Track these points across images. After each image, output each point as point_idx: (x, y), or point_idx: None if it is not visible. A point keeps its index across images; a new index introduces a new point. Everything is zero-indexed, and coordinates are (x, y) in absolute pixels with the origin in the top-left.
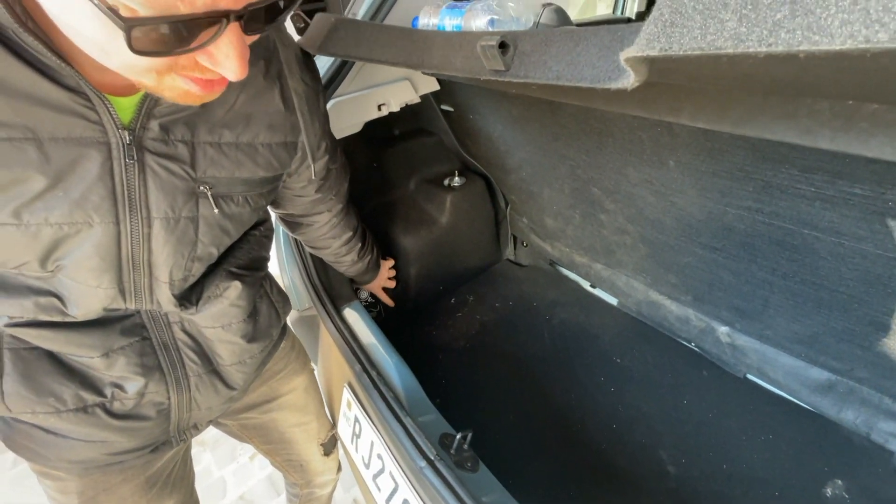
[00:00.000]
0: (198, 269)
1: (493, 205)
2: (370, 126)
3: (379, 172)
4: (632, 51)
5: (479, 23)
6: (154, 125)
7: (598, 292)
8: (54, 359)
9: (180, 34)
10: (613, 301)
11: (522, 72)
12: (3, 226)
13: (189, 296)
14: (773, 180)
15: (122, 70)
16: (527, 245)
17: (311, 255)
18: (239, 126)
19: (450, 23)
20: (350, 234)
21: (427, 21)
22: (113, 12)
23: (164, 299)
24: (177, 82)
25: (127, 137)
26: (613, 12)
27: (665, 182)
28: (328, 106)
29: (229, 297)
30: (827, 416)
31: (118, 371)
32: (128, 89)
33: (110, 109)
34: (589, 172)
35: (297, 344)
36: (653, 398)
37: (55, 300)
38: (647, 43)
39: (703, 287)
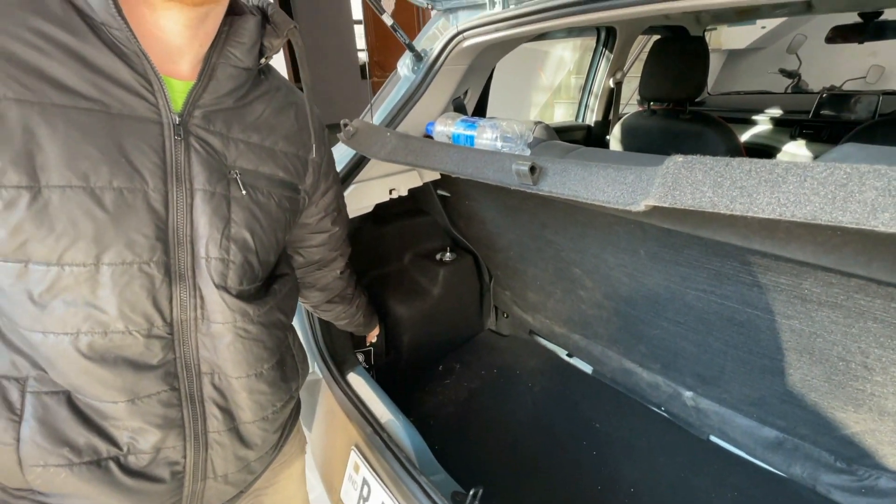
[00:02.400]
0: (235, 256)
1: (479, 279)
2: (376, 206)
3: (378, 247)
4: (650, 201)
5: (488, 135)
6: (198, 113)
7: (574, 361)
8: (74, 407)
9: None
10: (588, 369)
11: (546, 188)
12: (72, 188)
13: (225, 281)
14: (721, 270)
15: None
16: (508, 316)
17: (317, 320)
18: (263, 132)
19: (464, 133)
20: (352, 290)
21: (443, 129)
22: None
23: (206, 284)
24: None
25: (176, 119)
26: (576, 119)
27: (637, 267)
28: (350, 190)
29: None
30: (779, 472)
31: (138, 421)
32: (182, 74)
33: (166, 94)
34: (572, 255)
35: (300, 425)
36: (631, 460)
37: (100, 306)
38: (659, 198)
39: (669, 356)
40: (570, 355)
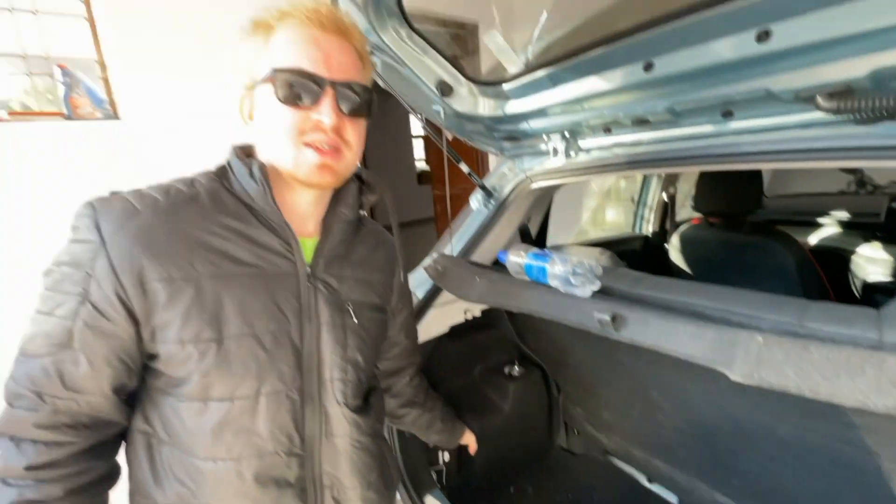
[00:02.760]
0: (351, 375)
1: (548, 394)
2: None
3: (449, 361)
4: (736, 377)
5: (559, 269)
6: (321, 262)
7: (656, 488)
8: None
9: (294, 90)
10: (674, 499)
11: (628, 336)
12: (244, 335)
13: (345, 398)
14: (812, 406)
15: (282, 144)
16: (579, 434)
17: (395, 438)
18: (364, 267)
19: (536, 264)
20: (423, 396)
21: (515, 259)
22: (272, 77)
23: (330, 403)
24: (305, 156)
25: (308, 269)
26: (633, 230)
27: (720, 396)
28: (428, 315)
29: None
30: None
31: None
32: (309, 233)
33: (301, 252)
34: (647, 380)
35: None
36: None
37: (258, 431)
38: (745, 375)
39: (767, 494)
40: (650, 480)
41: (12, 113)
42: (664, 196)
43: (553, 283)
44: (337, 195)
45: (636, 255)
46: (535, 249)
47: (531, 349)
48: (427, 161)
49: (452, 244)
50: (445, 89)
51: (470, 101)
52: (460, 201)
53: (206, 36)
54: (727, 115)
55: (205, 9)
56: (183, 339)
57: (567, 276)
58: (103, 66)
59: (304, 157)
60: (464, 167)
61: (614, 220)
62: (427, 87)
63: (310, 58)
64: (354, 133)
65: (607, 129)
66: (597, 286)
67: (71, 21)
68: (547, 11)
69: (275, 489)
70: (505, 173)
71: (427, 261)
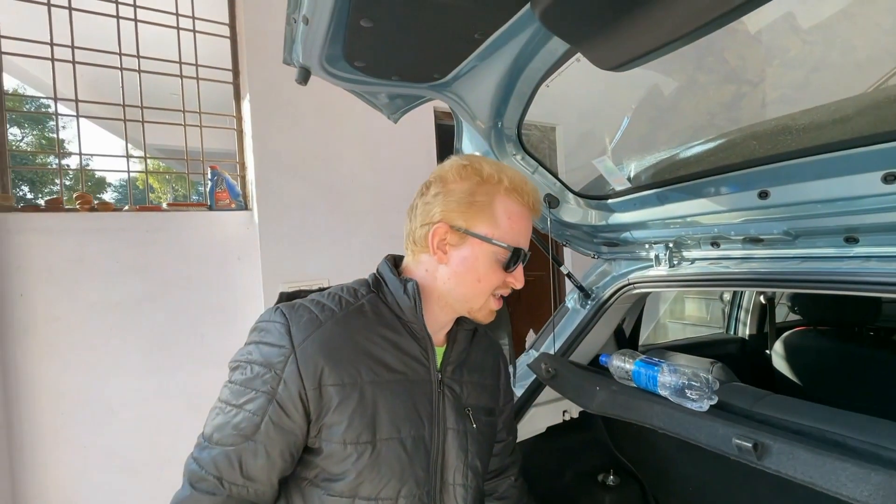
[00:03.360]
0: (471, 481)
1: None
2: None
3: (544, 463)
4: None
5: (672, 379)
6: (449, 369)
7: None
8: None
9: (514, 259)
10: None
11: (773, 467)
12: (392, 439)
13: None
14: None
15: (481, 293)
16: None
17: None
18: (479, 371)
19: (645, 372)
20: (527, 499)
21: (621, 365)
22: (504, 249)
23: (450, 500)
24: (490, 304)
25: (439, 376)
26: (727, 331)
27: None
28: (528, 415)
29: None
30: None
31: None
32: (439, 342)
33: (435, 360)
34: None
35: None
36: None
37: None
38: None
39: None
40: None
41: (171, 205)
42: (762, 298)
43: (663, 392)
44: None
45: (733, 359)
46: (642, 356)
47: (628, 458)
48: None
49: (555, 344)
50: (552, 202)
51: (575, 212)
52: (530, 286)
53: (326, 149)
54: (851, 240)
55: (327, 127)
56: (346, 439)
57: (681, 387)
58: (242, 167)
59: (489, 305)
60: (564, 269)
61: (696, 315)
62: None
63: (525, 238)
64: None
65: (715, 244)
66: (714, 401)
67: (223, 132)
68: (628, 117)
69: None
70: (600, 276)
71: (523, 357)
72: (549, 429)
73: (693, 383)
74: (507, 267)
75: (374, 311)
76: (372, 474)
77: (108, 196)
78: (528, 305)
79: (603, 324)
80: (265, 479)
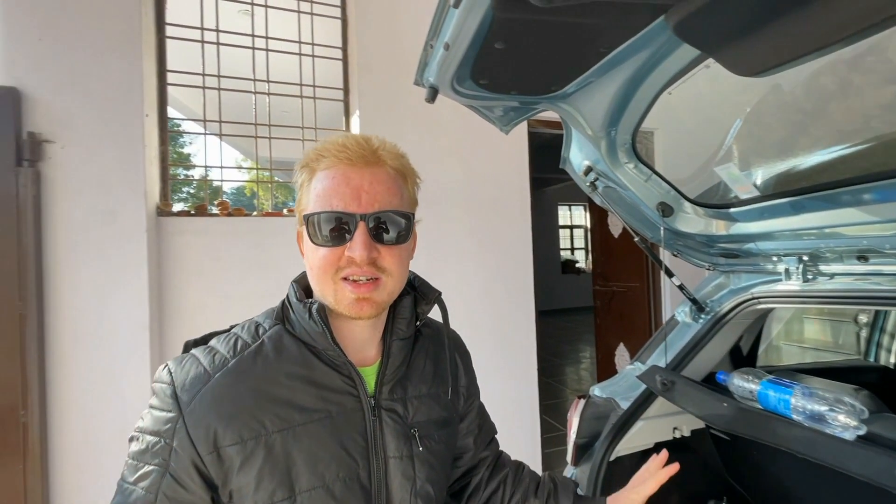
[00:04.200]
0: None
1: None
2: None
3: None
4: None
5: (811, 405)
6: (385, 389)
7: None
8: None
9: (323, 230)
10: None
11: None
12: (315, 489)
13: None
14: None
15: (320, 281)
16: None
17: None
18: (428, 381)
19: (775, 395)
20: (506, 470)
21: (744, 384)
22: (307, 221)
23: None
24: (343, 292)
25: (372, 402)
26: (865, 357)
27: None
28: (636, 427)
29: None
30: None
31: None
32: (371, 359)
33: (364, 385)
34: None
35: None
36: None
37: None
38: None
39: None
40: None
41: (290, 210)
42: None
43: (796, 417)
44: (393, 310)
45: (874, 389)
46: (769, 375)
47: (742, 485)
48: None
49: (667, 356)
50: (666, 210)
51: (691, 221)
52: (623, 297)
53: (424, 159)
54: None
55: (425, 139)
56: (257, 501)
57: (820, 414)
58: None
59: (342, 292)
60: (676, 280)
61: (820, 339)
62: (648, 209)
63: (340, 196)
64: (393, 260)
65: (862, 258)
66: (861, 431)
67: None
68: (741, 119)
69: None
70: (720, 289)
71: (628, 367)
72: (658, 445)
73: (837, 410)
74: (323, 238)
75: (277, 348)
76: None
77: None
78: (619, 316)
79: (719, 340)
80: None
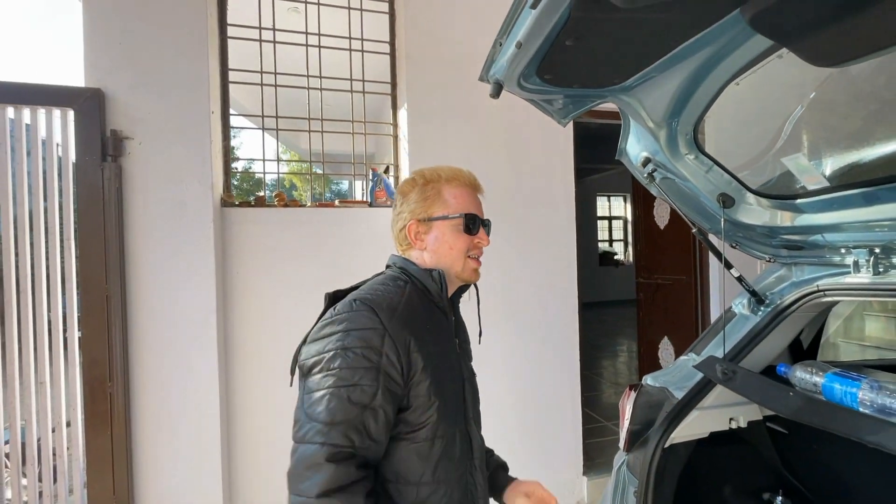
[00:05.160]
0: (478, 414)
1: None
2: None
3: (702, 469)
4: None
5: (879, 397)
6: (458, 334)
7: None
8: None
9: (472, 225)
10: None
11: None
12: (451, 389)
13: (478, 428)
14: None
15: (457, 258)
16: None
17: None
18: (464, 332)
19: (841, 388)
20: None
21: (807, 377)
22: (458, 218)
23: (472, 431)
24: (469, 264)
25: (457, 341)
26: None
27: None
28: (692, 416)
29: None
30: None
31: None
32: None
33: (454, 329)
34: None
35: None
36: None
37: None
38: None
39: None
40: None
41: (341, 202)
42: None
43: (864, 410)
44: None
45: None
46: (834, 368)
47: (799, 480)
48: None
49: (724, 347)
50: (727, 201)
51: (754, 212)
52: (668, 290)
53: (469, 151)
54: None
55: (471, 132)
56: (430, 392)
57: (891, 406)
58: (397, 168)
59: (468, 265)
60: (735, 272)
61: (882, 337)
62: (707, 200)
63: (472, 207)
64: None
65: None
66: None
67: (383, 138)
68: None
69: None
70: (781, 281)
71: (682, 358)
72: (713, 434)
73: None
74: (468, 230)
75: (418, 295)
76: (443, 417)
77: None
78: (664, 310)
79: (779, 333)
80: (383, 438)
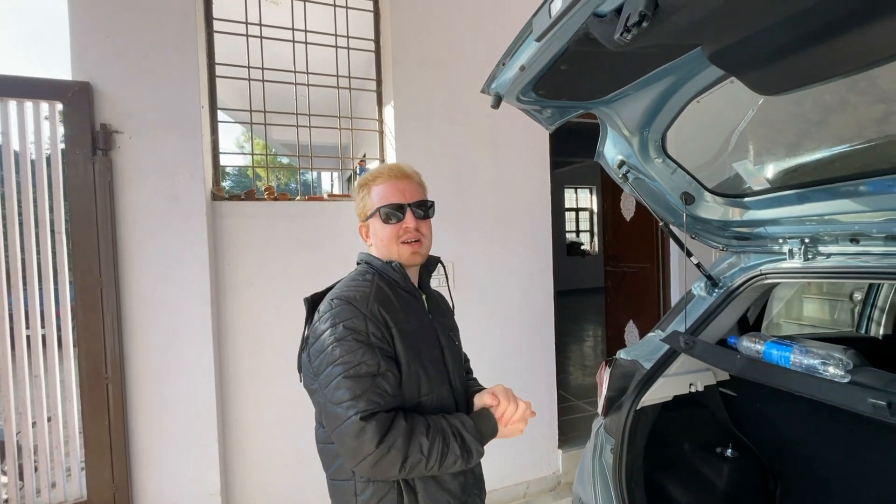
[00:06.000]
0: (461, 375)
1: (764, 484)
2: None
3: (666, 429)
4: None
5: (807, 360)
6: (433, 309)
7: None
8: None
9: (390, 215)
10: None
11: None
12: (430, 356)
13: (462, 388)
14: None
15: (389, 246)
16: None
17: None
18: (440, 303)
19: (777, 353)
20: None
21: (751, 345)
22: (377, 212)
23: (457, 393)
24: (403, 250)
25: (430, 317)
26: (857, 330)
27: None
28: (658, 383)
29: None
30: None
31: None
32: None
33: (425, 306)
34: None
35: None
36: None
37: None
38: None
39: None
40: None
41: (330, 195)
42: None
43: (795, 369)
44: (424, 268)
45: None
46: (772, 337)
47: (746, 435)
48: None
49: (686, 323)
50: (688, 199)
51: (710, 208)
52: (633, 278)
53: (453, 148)
54: None
55: (454, 129)
56: (409, 361)
57: (814, 365)
58: (383, 162)
59: (402, 250)
60: (694, 259)
61: (818, 317)
62: (672, 197)
63: (397, 195)
64: (426, 228)
65: (854, 240)
66: (846, 379)
67: (369, 133)
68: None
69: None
70: (731, 267)
71: (650, 334)
72: (675, 398)
73: (827, 363)
74: (387, 220)
75: (386, 283)
76: (426, 381)
77: (225, 183)
78: (629, 295)
79: (730, 311)
80: (398, 391)
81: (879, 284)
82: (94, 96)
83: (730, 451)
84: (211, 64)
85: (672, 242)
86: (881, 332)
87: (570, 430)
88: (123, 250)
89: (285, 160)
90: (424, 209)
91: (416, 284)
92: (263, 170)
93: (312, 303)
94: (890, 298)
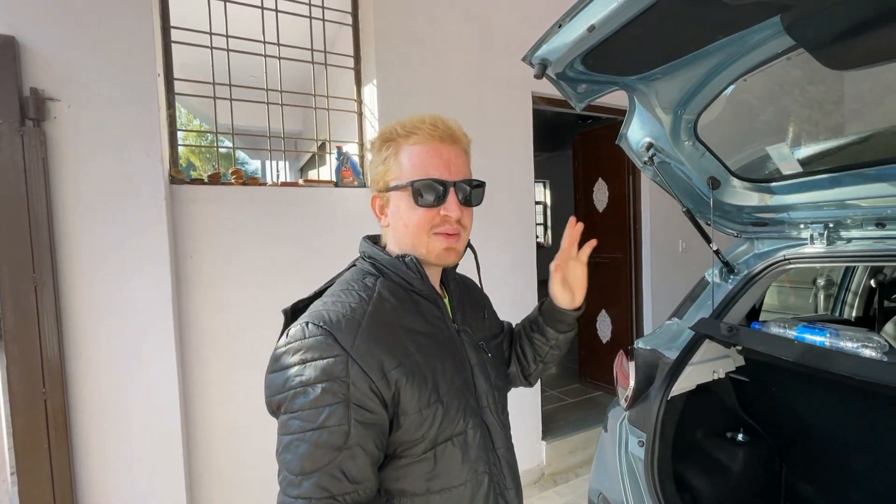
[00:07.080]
0: (497, 398)
1: (772, 465)
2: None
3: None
4: None
5: (845, 344)
6: (458, 317)
7: None
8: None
9: (425, 194)
10: None
11: None
12: (450, 391)
13: (498, 416)
14: None
15: (416, 237)
16: None
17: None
18: (473, 307)
19: (811, 338)
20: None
21: (781, 331)
22: (409, 186)
23: (490, 420)
24: (435, 243)
25: (455, 327)
26: (832, 312)
27: None
28: (686, 372)
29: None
30: None
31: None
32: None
33: (448, 314)
34: None
35: None
36: None
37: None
38: None
39: None
40: None
41: (306, 181)
42: (872, 282)
43: None
44: None
45: None
46: (805, 323)
47: (756, 421)
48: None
49: (715, 308)
50: (715, 184)
51: (736, 193)
52: (606, 268)
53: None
54: None
55: (438, 111)
56: (420, 407)
57: (857, 349)
58: (362, 147)
59: (434, 244)
60: (713, 246)
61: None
62: (698, 182)
63: (438, 168)
64: (468, 218)
65: (880, 224)
66: (886, 359)
67: (346, 115)
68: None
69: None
70: (745, 253)
71: (666, 323)
72: (699, 386)
73: (868, 346)
74: (419, 202)
75: (392, 293)
76: (445, 423)
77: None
78: (602, 286)
79: (749, 296)
80: (369, 475)
81: (853, 269)
82: (21, 54)
83: (741, 436)
84: (165, 26)
85: (644, 232)
86: (853, 314)
87: (551, 421)
88: (64, 241)
89: (230, 142)
90: (471, 191)
91: (438, 282)
92: (197, 157)
93: (293, 315)
94: (863, 284)
